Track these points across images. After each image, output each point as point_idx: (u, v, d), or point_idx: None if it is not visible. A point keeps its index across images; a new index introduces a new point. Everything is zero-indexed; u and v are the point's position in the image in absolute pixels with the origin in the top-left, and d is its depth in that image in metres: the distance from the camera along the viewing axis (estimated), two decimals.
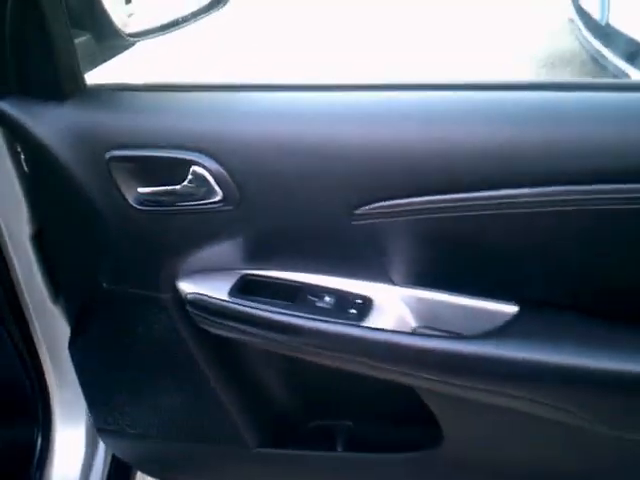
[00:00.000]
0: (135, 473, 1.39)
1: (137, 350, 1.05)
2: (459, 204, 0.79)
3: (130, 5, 1.15)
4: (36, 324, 1.24)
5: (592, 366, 0.77)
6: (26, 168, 1.08)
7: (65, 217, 1.03)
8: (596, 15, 2.97)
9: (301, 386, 1.05)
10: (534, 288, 0.83)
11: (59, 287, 1.21)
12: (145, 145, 0.91)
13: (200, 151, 0.88)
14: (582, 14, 3.20)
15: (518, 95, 0.83)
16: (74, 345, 1.15)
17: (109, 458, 1.37)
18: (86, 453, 1.30)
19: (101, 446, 1.36)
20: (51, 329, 1.25)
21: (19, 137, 0.98)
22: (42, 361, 1.27)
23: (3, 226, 1.14)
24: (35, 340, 1.25)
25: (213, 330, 0.94)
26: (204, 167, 0.88)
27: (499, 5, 4.76)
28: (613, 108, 0.78)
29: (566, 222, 0.78)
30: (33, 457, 1.28)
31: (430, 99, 0.85)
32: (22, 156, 1.08)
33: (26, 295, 1.21)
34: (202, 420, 1.07)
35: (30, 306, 1.23)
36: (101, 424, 1.20)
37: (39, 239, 1.16)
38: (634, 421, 0.80)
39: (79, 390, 1.29)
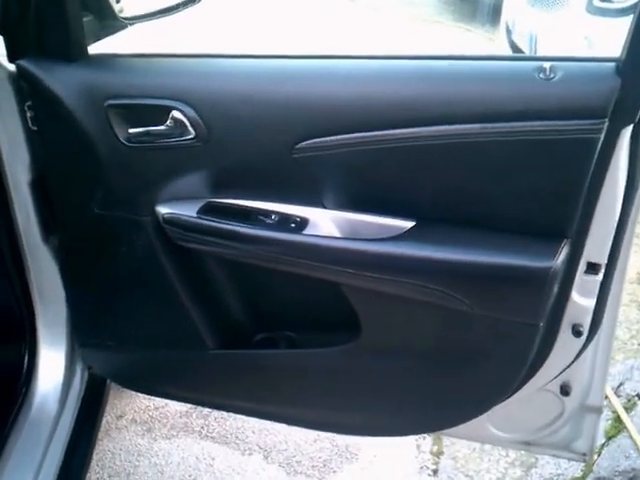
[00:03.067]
0: (109, 388, 1.61)
1: (119, 268, 1.30)
2: (374, 139, 1.07)
3: None
4: (28, 259, 1.48)
5: (466, 259, 1.05)
6: (31, 125, 1.34)
7: (66, 159, 1.28)
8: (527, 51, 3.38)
9: (252, 298, 1.31)
10: (427, 207, 1.12)
11: (50, 229, 1.46)
12: (136, 95, 1.17)
13: (179, 100, 1.15)
14: (515, 50, 3.61)
15: (417, 64, 1.12)
16: (65, 268, 1.39)
17: (86, 375, 1.60)
18: (66, 370, 1.53)
19: (79, 364, 1.58)
20: (40, 263, 1.49)
21: (35, 90, 1.23)
22: (31, 290, 1.50)
23: (8, 174, 1.39)
24: (26, 273, 1.49)
25: (185, 244, 1.20)
26: (181, 112, 1.14)
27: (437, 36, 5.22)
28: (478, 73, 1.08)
29: (451, 155, 1.06)
30: (20, 374, 1.50)
31: (355, 65, 1.14)
32: (28, 114, 1.33)
33: (22, 234, 1.45)
34: (170, 328, 1.32)
35: (25, 244, 1.46)
36: (84, 339, 1.43)
37: (37, 186, 1.41)
38: (495, 301, 1.08)
39: (62, 314, 1.52)
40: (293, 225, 1.15)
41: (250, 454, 1.84)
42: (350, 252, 1.10)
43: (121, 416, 1.94)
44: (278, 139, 1.12)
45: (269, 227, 1.15)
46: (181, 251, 1.23)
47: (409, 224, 1.10)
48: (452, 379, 1.19)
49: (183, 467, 1.81)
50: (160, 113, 1.16)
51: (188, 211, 1.18)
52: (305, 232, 1.14)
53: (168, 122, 1.16)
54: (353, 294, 1.16)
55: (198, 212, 1.17)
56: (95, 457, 1.79)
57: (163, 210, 1.20)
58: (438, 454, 1.88)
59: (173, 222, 1.19)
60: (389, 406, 1.26)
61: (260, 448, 1.85)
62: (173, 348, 1.35)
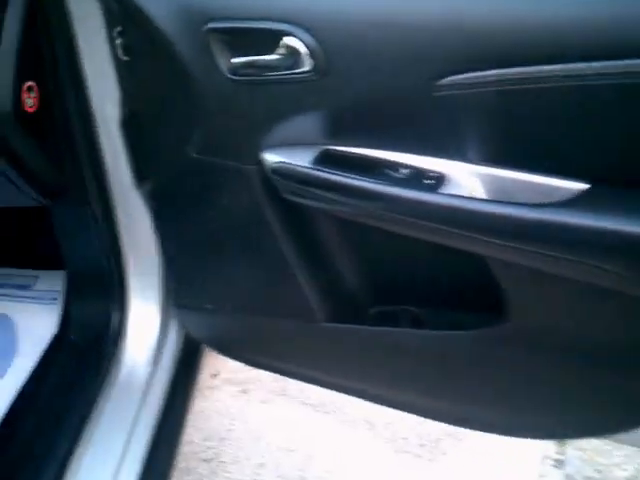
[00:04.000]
0: (204, 352, 1.48)
1: (218, 222, 1.13)
2: (541, 75, 0.82)
3: None
4: (118, 207, 1.33)
5: None
6: (122, 55, 1.16)
7: (160, 94, 1.10)
8: None
9: (371, 267, 1.10)
10: (606, 166, 0.86)
11: (142, 174, 1.30)
12: (242, 17, 0.96)
13: (293, 23, 0.93)
14: None
15: None
16: (159, 220, 1.23)
17: (181, 336, 1.46)
18: (159, 330, 1.40)
19: (173, 324, 1.45)
20: (132, 212, 1.34)
21: (126, 12, 1.05)
22: (121, 241, 1.36)
23: (96, 112, 1.23)
24: (116, 221, 1.34)
25: (295, 198, 1.00)
26: (296, 38, 0.93)
27: None
28: None
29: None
30: (108, 332, 1.38)
31: None
32: (118, 42, 1.16)
33: (111, 180, 1.30)
34: (274, 294, 1.14)
35: (114, 190, 1.31)
36: (179, 299, 1.28)
37: (128, 126, 1.25)
38: None
39: (155, 269, 1.38)
40: (428, 182, 0.92)
41: (353, 427, 1.67)
42: (502, 219, 0.87)
43: (215, 375, 1.81)
44: (416, 73, 0.89)
45: (399, 183, 0.92)
46: (290, 207, 1.03)
47: (581, 186, 0.86)
48: (625, 377, 0.95)
49: (281, 435, 1.66)
50: (270, 39, 0.95)
51: (301, 160, 0.97)
52: (443, 191, 0.91)
53: (279, 50, 0.95)
54: (502, 270, 0.93)
55: (313, 162, 0.96)
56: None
57: (271, 158, 1.00)
58: (563, 443, 1.66)
59: (282, 172, 0.99)
60: (537, 404, 1.04)
61: (364, 421, 1.68)
62: (276, 316, 1.17)
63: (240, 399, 1.76)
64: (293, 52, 0.94)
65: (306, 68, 0.93)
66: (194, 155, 1.07)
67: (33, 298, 1.59)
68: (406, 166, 0.93)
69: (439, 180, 0.92)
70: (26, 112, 1.10)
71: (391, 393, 1.16)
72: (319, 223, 1.06)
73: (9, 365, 1.45)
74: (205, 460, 1.64)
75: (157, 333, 1.40)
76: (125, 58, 1.16)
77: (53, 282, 1.60)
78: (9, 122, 1.07)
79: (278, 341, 1.22)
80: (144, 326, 1.39)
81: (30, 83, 1.10)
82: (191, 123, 1.05)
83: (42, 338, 1.49)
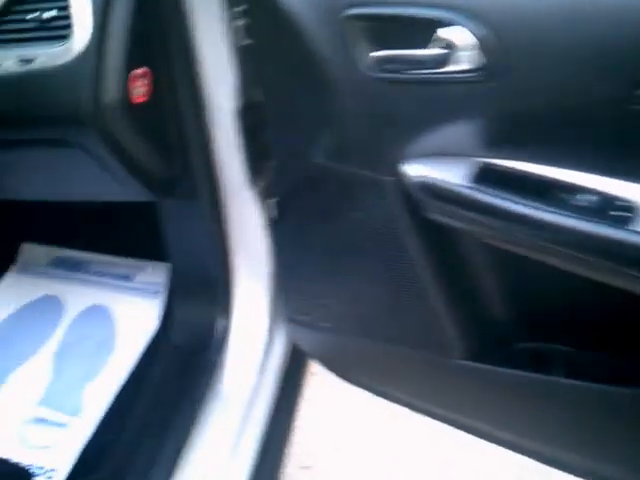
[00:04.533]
0: (309, 365, 1.36)
1: (344, 236, 0.98)
2: None
3: None
4: (229, 205, 1.21)
5: None
6: (242, 37, 1.02)
7: (285, 85, 0.95)
8: None
9: (521, 298, 0.93)
10: None
11: (256, 171, 1.17)
12: (387, 2, 0.80)
13: (454, 9, 0.76)
14: None
15: None
16: (275, 227, 1.10)
17: (287, 346, 1.35)
18: (265, 339, 1.28)
19: (279, 333, 1.33)
20: (243, 212, 1.21)
21: None
22: (231, 243, 1.25)
23: (210, 101, 1.10)
24: (226, 221, 1.22)
25: (441, 218, 0.84)
26: (456, 28, 0.76)
27: None
28: None
29: None
30: (212, 337, 1.27)
31: None
32: (240, 23, 1.02)
33: (222, 175, 1.18)
34: (404, 321, 0.99)
35: (226, 187, 1.19)
36: (291, 313, 1.15)
37: (243, 116, 1.11)
38: None
39: (264, 276, 1.26)
40: (616, 213, 0.74)
41: (462, 450, 1.52)
42: None
43: (314, 374, 1.70)
44: (613, 78, 0.70)
45: (578, 212, 0.75)
46: (432, 226, 0.87)
47: None
48: None
49: (383, 446, 1.53)
50: (421, 29, 0.78)
51: (452, 175, 0.81)
52: (635, 227, 0.73)
53: (433, 43, 0.78)
54: None
55: (468, 178, 0.80)
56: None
57: (414, 170, 0.84)
58: None
59: (429, 189, 0.83)
60: None
61: (473, 447, 1.53)
62: (403, 345, 1.02)
63: (342, 408, 1.63)
64: (451, 46, 0.77)
65: (469, 66, 0.76)
66: (321, 161, 0.92)
67: (134, 289, 1.50)
68: (588, 191, 0.75)
69: (630, 212, 0.73)
70: (136, 102, 0.98)
71: (533, 445, 1.00)
72: (465, 247, 0.90)
73: (105, 362, 1.37)
74: (304, 467, 1.54)
75: (263, 343, 1.28)
76: (245, 42, 1.03)
77: (156, 274, 1.51)
78: (117, 114, 0.95)
79: (401, 371, 1.07)
80: (249, 334, 1.28)
81: (141, 70, 0.98)
82: (320, 123, 0.91)
83: (141, 334, 1.41)
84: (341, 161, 0.90)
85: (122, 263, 1.55)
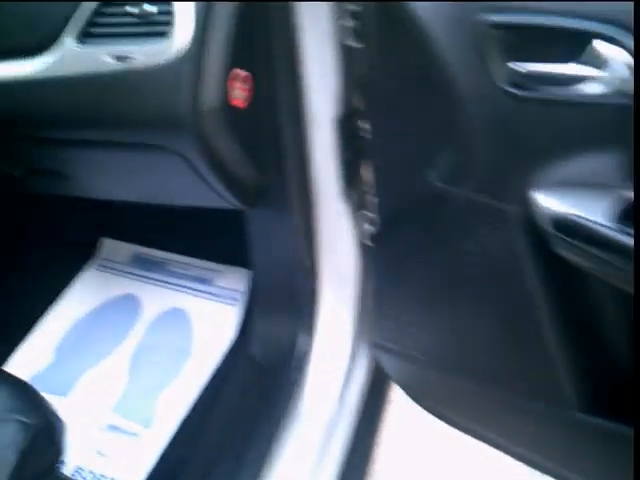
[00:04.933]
0: (391, 390, 1.28)
1: (451, 267, 0.88)
2: None
3: None
4: (321, 218, 1.13)
5: None
6: (351, 39, 0.94)
7: (398, 97, 0.86)
8: None
9: None
10: None
11: (353, 183, 1.09)
12: (532, 10, 0.70)
13: (612, 22, 0.65)
14: None
15: None
16: (373, 248, 1.02)
17: (370, 370, 1.27)
18: (348, 360, 1.20)
19: (362, 355, 1.25)
20: (335, 226, 1.13)
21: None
22: (319, 257, 1.17)
23: (311, 106, 1.02)
24: (316, 234, 1.15)
25: (576, 259, 0.73)
26: (615, 42, 0.65)
27: None
28: None
29: None
30: (293, 354, 1.20)
31: None
32: (349, 24, 0.94)
33: (318, 186, 1.10)
34: (509, 363, 0.89)
35: (319, 198, 1.11)
36: (380, 338, 1.07)
37: (344, 125, 1.03)
38: None
39: (351, 294, 1.18)
40: None
41: None
42: None
43: (396, 400, 1.61)
44: None
45: None
46: (560, 266, 0.76)
47: None
48: None
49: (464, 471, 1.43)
50: (569, 41, 0.68)
51: (592, 210, 0.70)
52: None
53: (584, 59, 0.68)
54: None
55: (615, 217, 0.69)
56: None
57: (546, 201, 0.73)
58: None
59: (564, 225, 0.72)
60: None
61: None
62: (510, 389, 0.92)
63: (423, 437, 1.54)
64: (602, 64, 0.67)
65: (622, 89, 0.65)
66: (434, 183, 0.83)
67: (212, 294, 1.45)
68: None
69: None
70: (235, 107, 0.91)
71: None
72: (600, 293, 0.79)
73: (181, 369, 1.32)
74: None
75: (345, 363, 1.20)
76: (355, 45, 0.94)
77: (235, 280, 1.45)
78: (215, 118, 0.88)
79: (496, 413, 0.97)
80: (331, 353, 1.20)
81: (241, 74, 0.91)
82: (438, 140, 0.81)
83: (218, 343, 1.35)
84: (458, 185, 0.81)
85: (201, 266, 1.49)
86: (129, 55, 0.85)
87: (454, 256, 0.86)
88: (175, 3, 0.84)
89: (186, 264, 1.50)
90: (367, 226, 1.12)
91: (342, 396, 1.21)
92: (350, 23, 0.95)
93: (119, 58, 0.86)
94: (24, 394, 0.81)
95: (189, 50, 0.84)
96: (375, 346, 1.10)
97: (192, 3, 0.84)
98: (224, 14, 0.86)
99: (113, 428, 1.22)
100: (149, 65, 0.85)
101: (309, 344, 1.20)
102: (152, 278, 1.50)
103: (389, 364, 1.11)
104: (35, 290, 1.46)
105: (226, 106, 0.89)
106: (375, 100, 0.91)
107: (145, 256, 1.54)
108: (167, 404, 1.25)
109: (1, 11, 0.90)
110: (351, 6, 0.93)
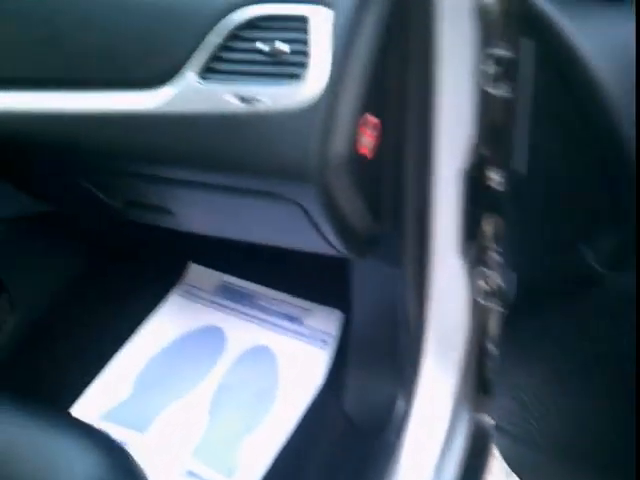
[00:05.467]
0: (491, 462, 1.17)
1: (601, 363, 0.78)
2: None
3: None
4: (433, 273, 1.04)
5: None
6: (491, 86, 0.85)
7: (554, 156, 0.77)
8: None
9: None
10: None
11: (472, 236, 0.99)
12: None
13: None
14: None
15: None
16: (502, 324, 0.92)
17: (470, 441, 1.16)
18: (448, 428, 1.10)
19: (462, 425, 1.15)
20: (447, 284, 1.04)
21: (528, 26, 0.73)
22: (427, 314, 1.07)
23: (438, 156, 0.93)
24: (426, 288, 1.05)
25: None
26: None
27: None
28: None
29: None
30: (390, 416, 1.11)
31: None
32: (487, 67, 0.84)
33: (434, 238, 1.01)
34: None
35: (434, 252, 1.02)
36: (494, 418, 0.97)
37: (471, 177, 0.94)
38: None
39: (456, 360, 1.08)
40: None
41: None
42: None
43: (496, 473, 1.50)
44: None
45: None
46: None
47: None
48: None
49: None
50: None
51: None
52: None
53: None
54: None
55: None
56: None
57: None
58: None
59: None
60: None
61: None
62: None
63: None
64: None
65: None
66: (592, 264, 0.72)
67: (301, 334, 1.37)
68: None
69: None
70: (361, 156, 0.83)
71: None
72: None
73: (265, 415, 1.24)
74: None
75: (445, 430, 1.10)
76: (495, 91, 0.85)
77: (326, 321, 1.36)
78: (342, 169, 0.81)
79: None
80: (431, 419, 1.10)
81: (371, 120, 0.82)
82: (604, 214, 0.71)
83: (306, 388, 1.27)
84: (621, 270, 0.70)
85: (291, 302, 1.42)
86: (255, 97, 0.78)
87: (598, 343, 0.76)
88: (312, 43, 0.76)
89: (274, 299, 1.43)
90: (482, 283, 1.03)
91: (439, 465, 1.11)
92: (493, 69, 0.86)
93: (244, 99, 0.79)
94: (119, 464, 0.74)
95: (322, 94, 0.76)
96: (490, 426, 0.99)
97: (329, 44, 0.76)
98: (362, 54, 0.78)
99: (193, 475, 1.16)
100: (277, 109, 0.77)
101: (408, 406, 1.10)
102: (238, 310, 1.44)
103: (502, 444, 1.01)
104: (120, 315, 1.42)
105: (354, 155, 0.82)
106: (518, 153, 0.82)
107: (232, 286, 1.48)
108: (251, 453, 1.18)
109: (121, 39, 0.84)
110: (497, 51, 0.84)
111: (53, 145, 0.90)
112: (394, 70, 0.83)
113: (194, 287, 1.50)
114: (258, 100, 0.78)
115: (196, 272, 1.51)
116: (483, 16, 0.82)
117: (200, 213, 1.01)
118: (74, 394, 1.28)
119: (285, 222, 0.93)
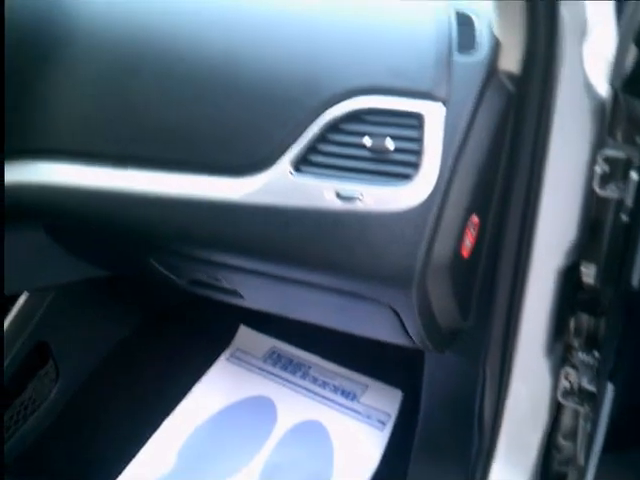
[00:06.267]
0: None
1: None
2: None
3: None
4: (515, 373, 0.97)
5: None
6: (598, 185, 0.79)
7: None
8: None
9: None
10: None
11: (560, 334, 0.93)
12: None
13: None
14: None
15: None
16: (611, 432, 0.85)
17: None
18: None
19: None
20: (529, 384, 0.97)
21: None
22: (502, 417, 1.01)
23: (536, 255, 0.87)
24: (507, 388, 0.99)
25: None
26: None
27: None
28: None
29: None
30: None
31: None
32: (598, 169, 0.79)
33: (521, 338, 0.94)
34: None
35: (519, 350, 0.95)
36: None
37: (567, 277, 0.88)
38: None
39: (528, 467, 1.01)
40: None
41: None
42: None
43: None
44: None
45: None
46: None
47: None
48: None
49: None
50: None
51: None
52: None
53: None
54: None
55: None
56: None
57: None
58: None
59: None
60: None
61: None
62: None
63: None
64: None
65: None
66: None
67: (356, 412, 1.30)
68: None
69: None
70: (461, 256, 0.77)
71: None
72: None
73: None
74: None
75: None
76: (603, 192, 0.79)
77: (384, 400, 1.29)
78: (443, 272, 0.75)
79: None
80: None
81: (475, 219, 0.77)
82: None
83: (361, 470, 1.20)
84: None
85: (346, 376, 1.35)
86: (354, 195, 0.72)
87: None
88: (426, 143, 0.70)
89: (329, 371, 1.37)
90: (565, 382, 0.97)
91: None
92: (603, 169, 0.80)
93: (341, 196, 0.73)
94: None
95: (431, 196, 0.71)
96: None
97: (441, 143, 0.71)
98: (473, 156, 0.72)
99: None
100: (379, 210, 0.71)
101: None
102: (288, 380, 1.37)
103: None
104: (167, 379, 1.36)
105: (456, 257, 0.76)
106: (636, 267, 0.75)
107: (284, 353, 1.42)
108: None
109: (216, 122, 0.78)
110: (609, 151, 0.78)
111: (129, 225, 0.85)
112: (502, 168, 0.78)
113: (243, 352, 1.43)
114: (358, 198, 0.72)
115: (246, 335, 1.45)
116: (597, 115, 0.77)
117: (274, 299, 0.95)
118: (118, 463, 1.22)
119: (366, 316, 0.87)
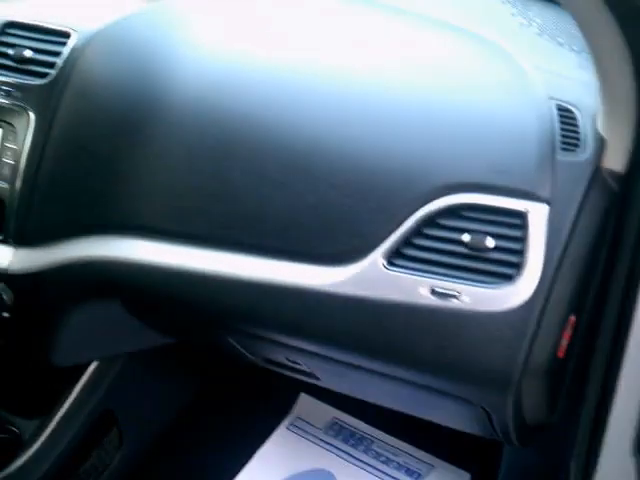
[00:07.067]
0: None
1: None
2: None
3: None
4: (599, 472, 0.92)
5: None
6: None
7: None
8: None
9: None
10: None
11: None
12: None
13: None
14: None
15: None
16: None
17: None
18: None
19: None
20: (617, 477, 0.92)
21: None
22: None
23: (632, 355, 0.83)
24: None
25: None
26: None
27: None
28: None
29: None
30: None
31: None
32: None
33: (607, 436, 0.90)
34: None
35: (604, 451, 0.91)
36: None
37: None
38: None
39: None
40: None
41: None
42: None
43: None
44: None
45: None
46: None
47: None
48: None
49: None
50: None
51: None
52: None
53: None
54: None
55: None
56: None
57: None
58: None
59: None
60: None
61: None
62: None
63: None
64: None
65: None
66: None
67: None
68: None
69: None
70: (558, 357, 0.74)
71: None
72: None
73: None
74: None
75: None
76: None
77: None
78: (540, 374, 0.72)
79: None
80: None
81: (572, 318, 0.74)
82: None
83: None
84: None
85: (412, 453, 1.31)
86: (451, 292, 0.70)
87: None
88: (529, 241, 0.68)
89: (394, 447, 1.32)
90: None
91: None
92: None
93: (437, 293, 0.71)
94: None
95: (532, 297, 0.68)
96: None
97: (545, 243, 0.68)
98: (576, 256, 0.70)
99: None
100: (477, 310, 0.69)
101: None
102: (351, 454, 1.33)
103: None
104: (228, 447, 1.33)
105: (553, 359, 0.73)
106: None
107: (346, 425, 1.38)
108: None
109: (309, 209, 0.77)
110: None
111: (213, 307, 0.84)
112: (601, 267, 0.75)
113: (303, 421, 1.40)
114: (454, 296, 0.70)
115: (307, 404, 1.42)
116: None
117: (352, 385, 0.93)
118: None
119: (450, 410, 0.84)
